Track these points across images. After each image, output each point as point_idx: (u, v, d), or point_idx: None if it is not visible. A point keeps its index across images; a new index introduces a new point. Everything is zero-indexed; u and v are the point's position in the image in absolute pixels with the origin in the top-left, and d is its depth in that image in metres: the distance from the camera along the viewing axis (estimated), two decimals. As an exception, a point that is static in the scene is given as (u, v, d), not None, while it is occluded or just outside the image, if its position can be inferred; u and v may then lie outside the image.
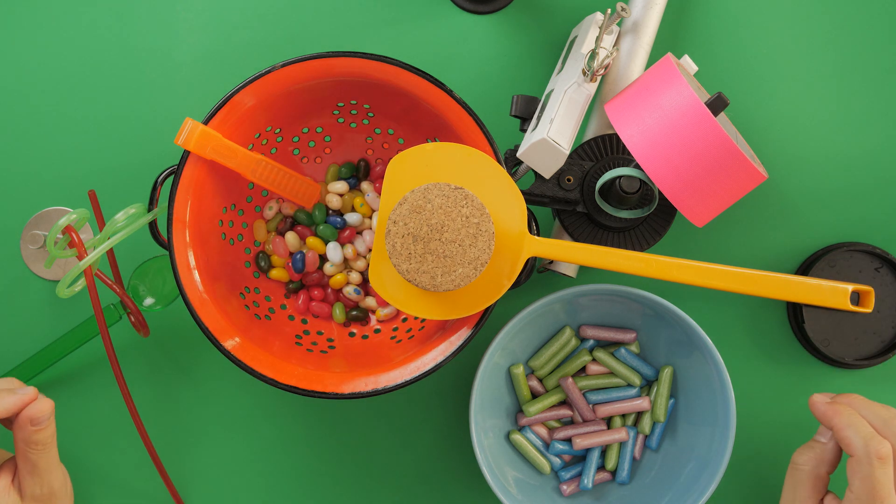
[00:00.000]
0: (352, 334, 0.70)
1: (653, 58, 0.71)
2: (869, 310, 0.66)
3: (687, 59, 0.67)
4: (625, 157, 0.66)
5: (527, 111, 0.65)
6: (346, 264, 0.70)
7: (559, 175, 0.65)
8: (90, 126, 0.72)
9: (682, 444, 0.69)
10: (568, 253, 0.62)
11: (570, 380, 0.69)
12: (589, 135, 0.69)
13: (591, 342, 0.70)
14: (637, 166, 0.63)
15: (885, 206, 0.72)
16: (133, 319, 0.66)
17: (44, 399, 0.58)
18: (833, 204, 0.72)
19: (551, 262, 0.69)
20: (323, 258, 0.71)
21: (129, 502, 0.72)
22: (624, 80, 0.68)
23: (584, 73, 0.63)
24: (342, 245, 0.70)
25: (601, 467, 0.70)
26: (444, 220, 0.57)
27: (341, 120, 0.69)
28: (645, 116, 0.60)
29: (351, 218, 0.70)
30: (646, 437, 0.70)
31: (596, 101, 0.70)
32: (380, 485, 0.72)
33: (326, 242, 0.70)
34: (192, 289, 0.62)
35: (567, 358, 0.70)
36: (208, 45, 0.73)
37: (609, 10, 0.65)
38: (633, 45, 0.68)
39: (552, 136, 0.60)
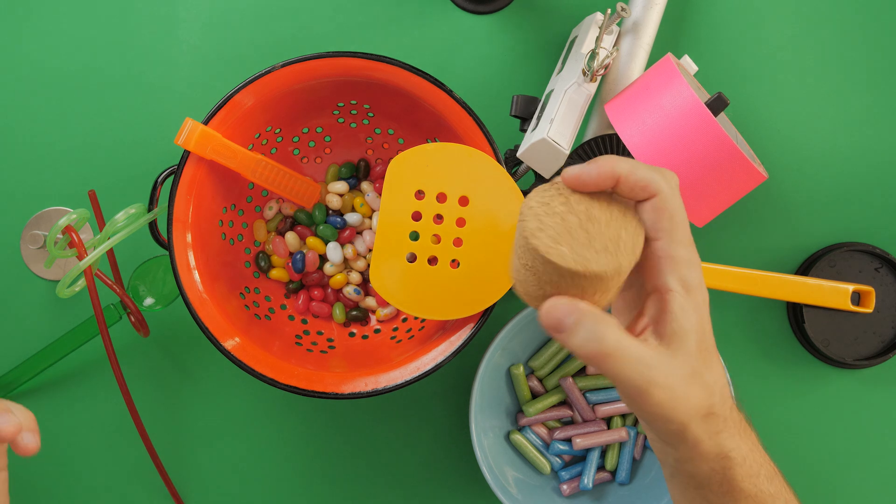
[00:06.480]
0: (352, 334, 0.70)
1: (653, 58, 0.71)
2: (869, 310, 0.66)
3: (687, 59, 0.67)
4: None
5: (527, 111, 0.65)
6: (346, 264, 0.70)
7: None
8: (90, 126, 0.72)
9: (682, 444, 0.69)
10: (568, 253, 0.61)
11: (570, 380, 0.69)
12: (589, 135, 0.69)
13: (591, 342, 0.70)
14: (637, 166, 0.63)
15: (886, 207, 0.72)
16: (133, 319, 0.66)
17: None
18: (833, 204, 0.72)
19: (551, 262, 0.69)
20: (323, 258, 0.71)
21: (130, 502, 0.72)
22: (624, 80, 0.68)
23: (584, 73, 0.63)
24: (342, 245, 0.70)
25: (601, 467, 0.70)
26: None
27: (341, 120, 0.69)
28: (645, 116, 0.60)
29: (351, 218, 0.70)
30: (646, 436, 0.70)
31: (596, 101, 0.70)
32: (380, 485, 0.72)
33: (326, 242, 0.70)
34: (192, 289, 0.62)
35: (567, 358, 0.70)
36: (208, 45, 0.73)
37: (609, 10, 0.65)
38: (633, 45, 0.68)
39: (552, 136, 0.60)
